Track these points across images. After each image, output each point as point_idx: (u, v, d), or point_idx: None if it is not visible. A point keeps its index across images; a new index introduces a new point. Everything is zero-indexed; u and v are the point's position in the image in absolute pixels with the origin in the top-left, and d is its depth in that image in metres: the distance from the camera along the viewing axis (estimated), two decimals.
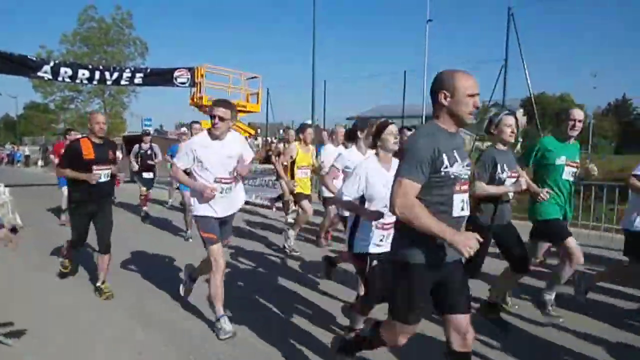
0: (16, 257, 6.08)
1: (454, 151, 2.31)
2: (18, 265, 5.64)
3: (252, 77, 17.31)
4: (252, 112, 17.63)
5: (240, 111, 16.78)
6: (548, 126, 45.97)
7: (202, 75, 15.67)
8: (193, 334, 3.65)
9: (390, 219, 2.92)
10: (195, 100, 15.90)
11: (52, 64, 14.65)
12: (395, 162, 3.07)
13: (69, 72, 14.49)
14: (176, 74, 15.77)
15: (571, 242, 3.80)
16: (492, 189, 3.62)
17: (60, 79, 14.83)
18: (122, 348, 3.40)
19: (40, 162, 32.05)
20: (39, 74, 14.26)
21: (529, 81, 15.76)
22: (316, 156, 10.50)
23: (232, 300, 4.40)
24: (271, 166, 11.70)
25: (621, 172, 11.02)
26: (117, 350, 3.37)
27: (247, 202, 12.25)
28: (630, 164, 11.44)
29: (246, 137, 16.49)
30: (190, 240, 7.32)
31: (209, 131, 3.74)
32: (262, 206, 11.76)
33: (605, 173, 11.29)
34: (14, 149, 38.54)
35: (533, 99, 18.59)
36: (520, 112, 51.73)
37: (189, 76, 15.80)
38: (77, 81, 15.42)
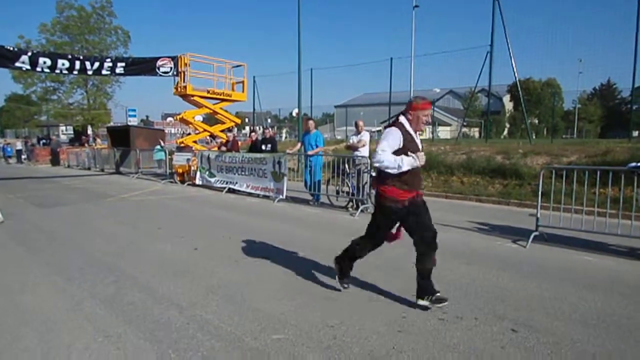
0: None
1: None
2: None
3: (237, 66, 17.07)
4: (238, 100, 17.41)
5: (225, 100, 16.63)
6: (534, 111, 46.43)
7: (186, 64, 15.41)
8: (173, 328, 3.60)
9: None
10: (179, 89, 15.65)
11: (29, 53, 14.27)
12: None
13: (48, 62, 14.12)
14: (159, 63, 15.50)
15: None
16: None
17: (39, 69, 14.46)
18: (101, 342, 3.34)
19: (23, 156, 31.08)
20: (17, 64, 13.88)
21: (515, 67, 15.75)
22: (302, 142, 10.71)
23: (218, 289, 4.38)
24: (260, 155, 11.64)
25: (604, 156, 11.10)
26: (95, 344, 3.31)
27: (236, 191, 12.27)
28: (613, 147, 11.59)
29: (230, 127, 16.38)
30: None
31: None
32: (252, 195, 11.66)
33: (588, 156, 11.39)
34: (4, 143, 37.04)
35: (519, 85, 18.56)
36: (507, 98, 52.06)
37: (172, 65, 15.54)
38: (57, 71, 15.05)
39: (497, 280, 4.75)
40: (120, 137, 22.91)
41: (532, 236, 6.45)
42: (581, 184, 6.52)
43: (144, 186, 14.50)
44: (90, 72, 15.32)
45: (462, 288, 4.50)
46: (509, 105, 52.57)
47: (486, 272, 5.04)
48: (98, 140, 29.26)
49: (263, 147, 12.11)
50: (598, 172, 6.69)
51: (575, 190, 6.76)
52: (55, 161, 27.66)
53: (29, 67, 14.11)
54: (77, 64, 14.74)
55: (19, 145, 31.40)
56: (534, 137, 23.00)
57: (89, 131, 37.49)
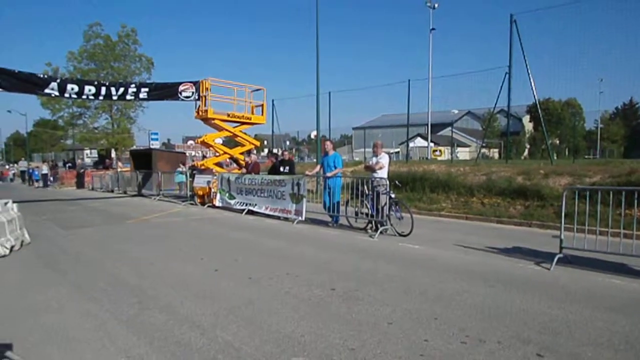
0: (19, 272, 6.17)
1: None
2: (22, 280, 5.69)
3: (257, 90, 17.43)
4: (257, 123, 17.72)
5: (245, 123, 16.92)
6: (555, 131, 45.81)
7: (207, 89, 15.80)
8: (194, 348, 3.62)
9: None
10: (200, 113, 16.01)
11: (58, 80, 14.83)
12: None
13: (76, 88, 14.65)
14: (181, 88, 15.91)
15: None
16: None
17: (67, 95, 14.99)
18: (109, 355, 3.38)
19: (50, 179, 31.78)
20: (46, 91, 14.43)
21: (534, 87, 15.66)
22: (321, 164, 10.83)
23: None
24: (279, 177, 11.74)
25: (629, 177, 10.86)
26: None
27: (255, 213, 12.35)
28: (638, 167, 11.34)
29: (250, 150, 16.61)
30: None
31: None
32: (272, 217, 11.72)
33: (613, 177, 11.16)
34: (32, 167, 37.77)
35: (539, 105, 18.42)
36: (526, 118, 51.59)
37: (194, 90, 15.94)
38: (84, 97, 15.59)
39: (520, 303, 4.66)
40: (143, 160, 23.41)
41: (556, 258, 6.32)
42: (606, 205, 6.39)
43: (165, 208, 14.72)
44: (115, 98, 15.80)
45: (484, 311, 4.42)
46: (528, 125, 52.04)
47: (509, 295, 4.94)
48: (120, 163, 29.91)
49: (281, 169, 12.22)
50: (623, 193, 6.55)
51: (599, 212, 6.62)
52: (80, 184, 28.35)
53: (57, 93, 14.63)
54: (103, 90, 15.24)
55: (45, 169, 32.12)
56: (555, 157, 22.64)
57: (113, 154, 38.40)
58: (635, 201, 6.06)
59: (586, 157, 40.92)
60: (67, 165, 41.07)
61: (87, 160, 52.50)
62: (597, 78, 41.84)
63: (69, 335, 3.91)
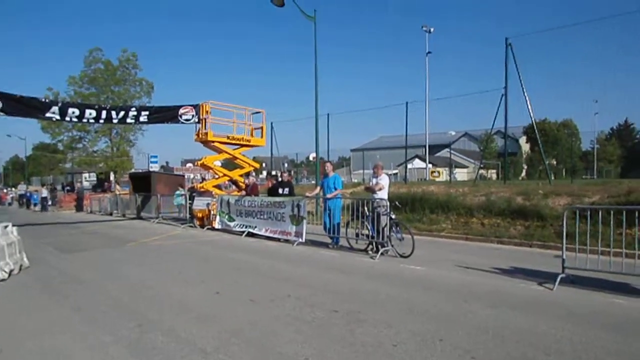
0: (19, 296, 6.12)
1: None
2: (22, 303, 5.64)
3: (256, 112, 17.60)
4: (257, 145, 17.82)
5: (245, 145, 17.01)
6: (552, 152, 46.11)
7: (207, 112, 15.95)
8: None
9: None
10: (200, 136, 16.12)
11: (60, 104, 14.98)
12: None
13: (77, 112, 14.78)
14: (181, 111, 16.05)
15: None
16: None
17: (68, 119, 15.12)
18: None
19: (49, 203, 31.65)
20: (47, 114, 14.55)
21: (530, 108, 15.86)
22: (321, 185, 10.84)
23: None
24: (279, 199, 11.76)
25: (627, 196, 10.90)
26: None
27: (255, 235, 12.31)
28: (636, 187, 11.40)
29: (250, 172, 16.66)
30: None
31: None
32: (272, 239, 11.68)
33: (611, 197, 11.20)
34: (30, 191, 37.64)
35: (535, 126, 18.61)
36: (523, 139, 51.97)
37: (194, 113, 16.07)
38: (84, 120, 15.72)
39: (524, 324, 4.62)
40: (142, 183, 23.43)
41: (558, 278, 6.30)
42: (606, 225, 6.40)
43: (164, 231, 14.67)
44: (115, 121, 15.94)
45: (488, 332, 4.39)
46: (525, 146, 52.41)
47: (513, 315, 4.91)
48: (118, 187, 29.90)
49: (280, 190, 12.24)
50: (624, 212, 6.57)
51: (600, 231, 6.63)
52: (79, 207, 28.30)
53: (58, 117, 14.76)
54: (104, 114, 15.38)
55: (44, 192, 32.01)
56: (552, 177, 22.75)
57: (111, 178, 38.43)
58: (637, 220, 6.08)
59: (583, 177, 41.14)
60: (65, 188, 41.02)
61: (86, 184, 52.50)
62: (592, 99, 42.34)
63: (71, 359, 3.87)
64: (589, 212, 7.14)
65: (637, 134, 62.90)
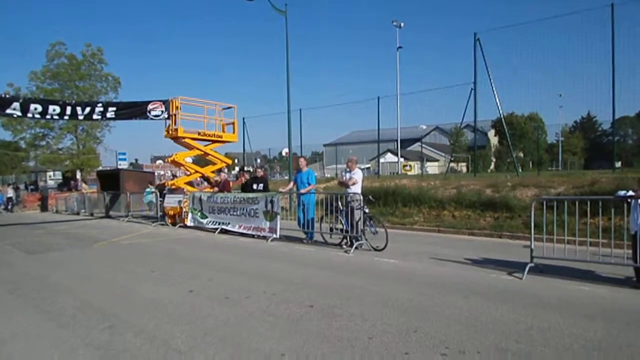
0: None
1: None
2: None
3: (227, 108, 17.34)
4: (229, 141, 17.58)
5: (216, 141, 16.77)
6: (519, 145, 47.36)
7: (177, 107, 15.61)
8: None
9: None
10: (170, 132, 15.78)
11: (21, 100, 14.37)
12: None
13: (39, 108, 14.20)
14: (150, 106, 15.66)
15: None
16: None
17: (30, 115, 14.51)
18: None
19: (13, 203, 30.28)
20: (8, 111, 13.92)
21: (498, 102, 16.22)
22: (294, 181, 10.76)
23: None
24: (252, 195, 11.66)
25: (591, 187, 11.30)
26: None
27: (228, 232, 12.18)
28: (599, 178, 11.83)
29: (221, 168, 16.45)
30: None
31: None
32: (246, 235, 11.58)
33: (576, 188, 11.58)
34: None
35: (504, 120, 19.05)
36: (491, 133, 53.18)
37: (164, 109, 15.70)
38: (48, 117, 15.09)
39: (496, 313, 4.74)
40: (110, 181, 22.82)
41: (527, 268, 6.48)
42: (572, 215, 6.62)
43: (134, 229, 14.35)
44: (81, 117, 15.42)
45: (461, 322, 4.47)
46: (494, 139, 53.67)
47: (485, 305, 5.02)
48: (84, 185, 28.98)
49: (254, 186, 12.13)
50: (588, 202, 6.81)
51: (566, 221, 6.85)
52: (44, 207, 27.34)
53: (20, 113, 14.16)
54: (68, 110, 14.83)
55: (10, 192, 30.64)
56: (520, 170, 23.37)
57: (78, 176, 37.27)
58: (600, 210, 6.31)
59: (549, 169, 42.43)
60: (29, 187, 39.56)
61: (51, 182, 50.78)
62: (557, 93, 43.67)
63: None
64: (555, 203, 7.37)
65: (599, 127, 65.17)
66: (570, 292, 5.58)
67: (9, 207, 29.61)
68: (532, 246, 6.68)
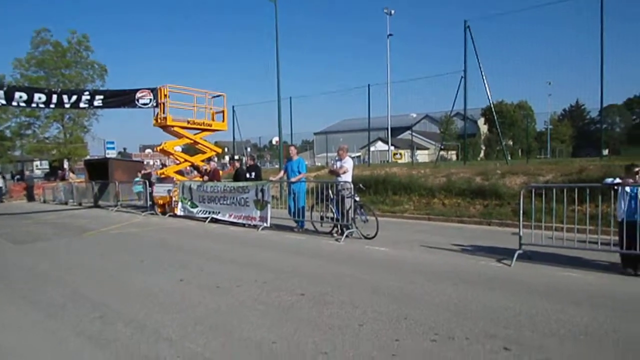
0: None
1: None
2: None
3: (217, 96, 17.17)
4: (218, 130, 17.43)
5: (206, 130, 16.63)
6: (508, 133, 47.64)
7: (165, 95, 15.40)
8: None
9: None
10: (159, 120, 15.59)
11: (5, 88, 14.09)
12: None
13: (24, 96, 13.95)
14: (138, 94, 15.45)
15: None
16: None
17: (14, 103, 14.26)
18: None
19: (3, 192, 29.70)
20: None
21: (488, 91, 16.26)
22: (285, 169, 10.70)
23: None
24: (242, 183, 11.62)
25: (579, 174, 11.42)
26: None
27: (218, 221, 12.15)
28: (587, 165, 11.96)
29: (211, 157, 16.34)
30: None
31: None
32: (236, 224, 11.55)
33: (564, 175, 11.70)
34: None
35: (493, 108, 19.13)
36: (481, 121, 53.39)
37: (152, 97, 15.49)
38: (33, 105, 14.84)
39: (485, 300, 4.79)
40: (99, 170, 22.55)
41: (516, 255, 6.55)
42: (560, 202, 6.69)
43: (123, 219, 14.25)
44: (67, 105, 15.17)
45: (450, 309, 4.52)
46: (483, 128, 53.87)
47: (474, 292, 5.08)
48: (72, 174, 28.57)
49: (248, 175, 12.09)
50: (576, 190, 6.88)
51: (554, 208, 6.92)
52: (30, 197, 26.96)
53: (4, 102, 13.91)
54: (54, 98, 14.58)
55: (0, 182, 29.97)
56: (509, 157, 23.54)
57: (65, 165, 36.84)
58: (587, 197, 6.38)
59: (538, 157, 42.81)
60: (15, 177, 39.01)
61: (38, 172, 50.12)
62: (546, 81, 43.85)
63: (29, 356, 3.71)
64: (543, 191, 7.44)
65: (587, 115, 65.75)
66: (557, 278, 5.66)
67: (0, 196, 29.15)
68: (521, 233, 6.75)
